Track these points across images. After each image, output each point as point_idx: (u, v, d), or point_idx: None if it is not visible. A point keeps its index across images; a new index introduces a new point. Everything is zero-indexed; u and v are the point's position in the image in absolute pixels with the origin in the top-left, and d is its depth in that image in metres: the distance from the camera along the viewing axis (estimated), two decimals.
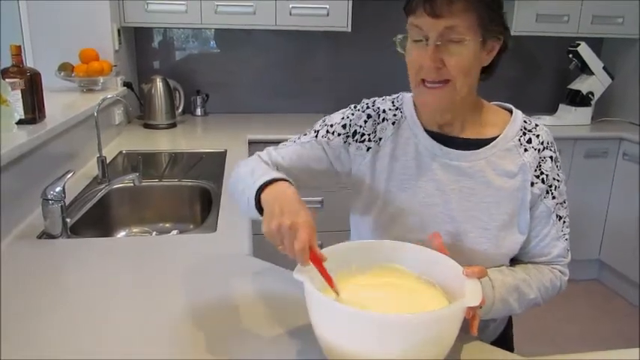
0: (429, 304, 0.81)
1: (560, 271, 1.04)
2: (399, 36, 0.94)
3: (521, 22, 2.91)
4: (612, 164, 2.93)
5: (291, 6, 2.69)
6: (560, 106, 3.10)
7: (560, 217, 1.02)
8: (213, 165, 2.04)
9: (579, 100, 3.03)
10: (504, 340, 1.14)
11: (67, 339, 0.89)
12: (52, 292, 1.05)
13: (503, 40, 0.95)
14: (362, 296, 0.83)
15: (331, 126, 1.07)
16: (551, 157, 1.00)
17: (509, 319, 1.17)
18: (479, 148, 0.99)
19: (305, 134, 1.09)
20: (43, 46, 2.41)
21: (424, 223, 1.00)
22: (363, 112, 1.06)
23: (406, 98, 1.07)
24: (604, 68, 3.00)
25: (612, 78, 3.03)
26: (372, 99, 1.09)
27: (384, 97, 1.09)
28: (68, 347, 0.87)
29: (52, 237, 1.32)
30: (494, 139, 0.99)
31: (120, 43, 2.60)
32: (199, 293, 1.05)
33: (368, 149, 1.04)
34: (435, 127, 1.02)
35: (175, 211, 1.82)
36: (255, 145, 2.46)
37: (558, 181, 1.01)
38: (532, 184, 0.98)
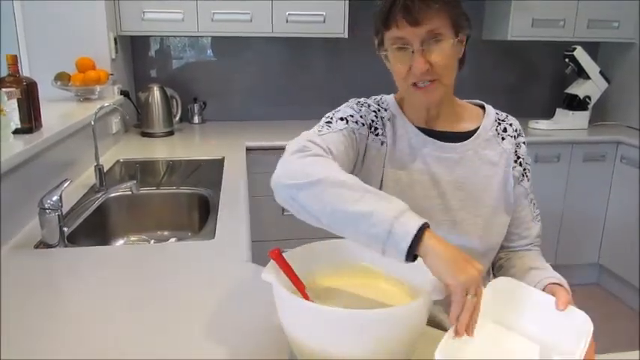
0: (395, 302, 0.82)
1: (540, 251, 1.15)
2: (383, 52, 1.00)
3: (517, 27, 2.92)
4: (610, 168, 2.93)
5: (287, 13, 2.70)
6: (558, 110, 3.10)
7: (532, 200, 1.12)
8: (211, 172, 2.03)
9: (576, 104, 3.04)
10: None
11: (65, 349, 0.88)
12: (49, 302, 1.04)
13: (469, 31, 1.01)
14: (331, 297, 0.83)
15: (351, 116, 1.02)
16: (524, 143, 1.11)
17: None
18: (461, 141, 1.06)
19: (329, 122, 1.00)
20: (40, 56, 2.40)
21: (424, 214, 0.98)
22: (369, 108, 1.07)
23: (389, 99, 1.11)
24: (600, 72, 3.01)
25: (609, 82, 3.04)
26: (362, 98, 1.09)
27: (371, 97, 1.12)
28: (67, 357, 0.86)
29: (49, 246, 1.31)
30: (473, 131, 1.08)
31: (116, 52, 2.60)
32: (199, 300, 1.04)
33: (382, 143, 1.06)
34: (421, 123, 1.08)
35: (173, 219, 1.82)
36: (253, 152, 2.46)
37: (529, 164, 1.11)
38: (512, 168, 1.07)
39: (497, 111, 1.13)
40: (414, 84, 0.97)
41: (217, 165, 2.13)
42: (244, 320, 0.97)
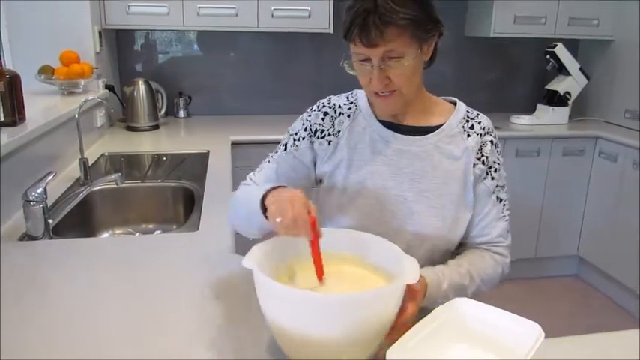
0: (372, 287, 0.84)
1: (500, 254, 1.11)
2: (345, 62, 1.03)
3: (500, 24, 2.97)
4: (589, 162, 3.00)
5: (273, 8, 2.71)
6: (538, 106, 3.15)
7: (501, 200, 1.11)
8: (196, 166, 2.04)
9: (557, 100, 3.09)
10: None
11: (51, 340, 0.89)
12: (35, 294, 1.05)
13: (438, 32, 1.02)
14: (314, 283, 0.86)
15: (295, 134, 1.15)
16: (491, 142, 1.10)
17: None
18: (425, 135, 1.08)
19: (276, 151, 1.17)
20: (23, 49, 2.39)
21: (380, 204, 1.08)
22: (320, 110, 1.15)
23: (360, 93, 1.16)
24: (580, 69, 3.06)
25: (588, 78, 3.10)
26: (327, 97, 1.17)
27: (339, 94, 1.18)
28: (53, 349, 0.87)
29: (34, 238, 1.32)
30: (440, 126, 1.09)
31: (101, 46, 2.59)
32: (184, 290, 1.06)
33: (329, 143, 1.12)
34: (387, 117, 1.11)
35: (158, 212, 1.83)
36: (238, 146, 2.47)
37: (498, 164, 1.10)
38: (474, 165, 1.07)
39: (470, 109, 1.13)
40: (375, 93, 1.03)
41: (202, 158, 2.14)
42: (228, 310, 0.99)
